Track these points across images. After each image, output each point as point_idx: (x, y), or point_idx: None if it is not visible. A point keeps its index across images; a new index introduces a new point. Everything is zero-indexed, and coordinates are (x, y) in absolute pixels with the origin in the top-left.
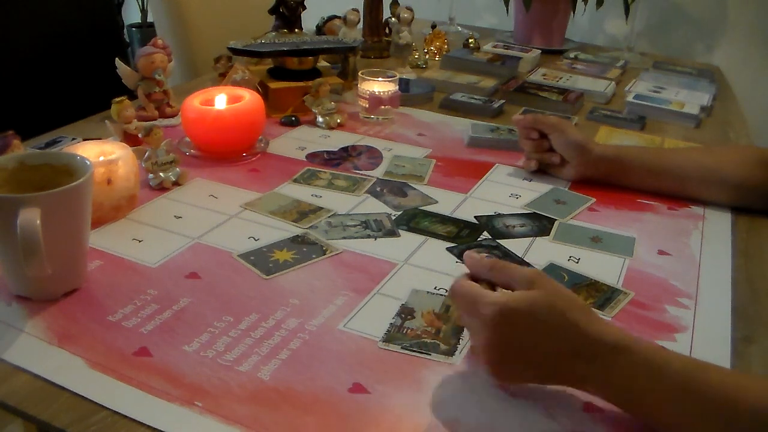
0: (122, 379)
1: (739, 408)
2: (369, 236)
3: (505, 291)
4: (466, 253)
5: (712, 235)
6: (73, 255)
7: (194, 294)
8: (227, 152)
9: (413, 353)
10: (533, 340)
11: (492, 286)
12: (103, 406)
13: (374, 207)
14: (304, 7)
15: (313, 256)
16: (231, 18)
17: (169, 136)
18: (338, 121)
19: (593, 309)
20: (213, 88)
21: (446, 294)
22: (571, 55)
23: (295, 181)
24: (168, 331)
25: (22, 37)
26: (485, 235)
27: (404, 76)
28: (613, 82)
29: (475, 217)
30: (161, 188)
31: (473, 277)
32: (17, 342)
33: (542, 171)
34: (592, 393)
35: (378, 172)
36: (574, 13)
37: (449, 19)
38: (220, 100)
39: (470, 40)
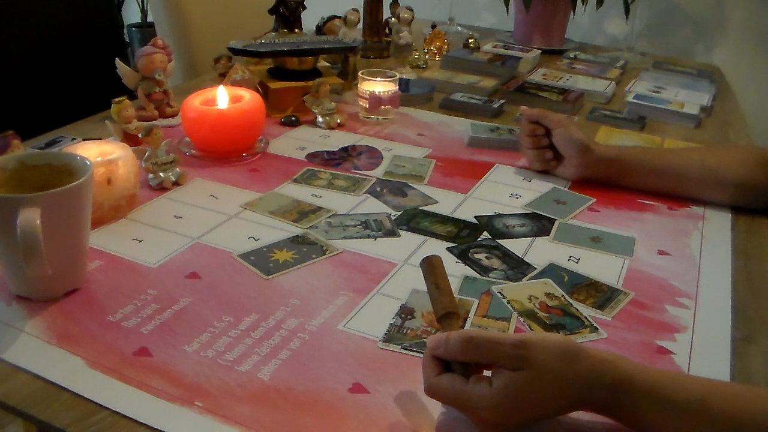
0: (122, 379)
1: None
2: (369, 236)
3: (488, 379)
4: (429, 338)
5: (712, 235)
6: (73, 255)
7: (194, 294)
8: (227, 152)
9: (413, 353)
10: (536, 409)
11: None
12: (103, 406)
13: (374, 207)
14: (304, 7)
15: (313, 256)
16: (231, 18)
17: (169, 136)
18: (338, 121)
19: (584, 346)
20: (213, 87)
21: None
22: (571, 55)
23: (295, 181)
24: (168, 331)
25: (22, 37)
26: (485, 235)
27: (404, 76)
28: (613, 82)
29: (475, 217)
30: (161, 188)
31: (438, 360)
32: (17, 342)
33: (542, 171)
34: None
35: (378, 172)
36: (574, 13)
37: (449, 19)
38: (222, 100)
39: (470, 40)
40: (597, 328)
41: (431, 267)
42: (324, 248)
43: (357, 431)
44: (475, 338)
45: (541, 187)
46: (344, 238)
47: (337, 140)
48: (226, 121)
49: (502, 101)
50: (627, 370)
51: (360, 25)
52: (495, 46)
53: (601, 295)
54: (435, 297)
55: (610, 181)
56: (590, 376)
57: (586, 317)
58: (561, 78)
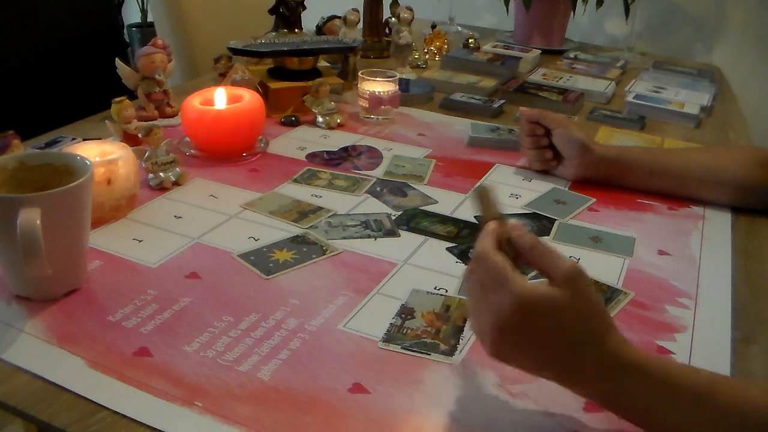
0: (122, 379)
1: (752, 426)
2: (369, 236)
3: (533, 281)
4: (513, 223)
5: (712, 235)
6: (73, 255)
7: (194, 294)
8: (227, 152)
9: (413, 353)
10: (546, 340)
11: (515, 260)
12: (103, 406)
13: (374, 207)
14: (304, 7)
15: (313, 256)
16: (231, 18)
17: (169, 136)
18: (338, 121)
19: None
20: (213, 88)
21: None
22: (571, 55)
23: (295, 181)
24: (168, 331)
25: (22, 37)
26: None
27: (404, 76)
28: (613, 82)
29: (475, 217)
30: (161, 188)
31: (499, 244)
32: (17, 342)
33: (542, 171)
34: (598, 406)
35: (378, 172)
36: (574, 13)
37: (449, 19)
38: (220, 100)
39: (470, 40)
40: None
41: (481, 196)
42: (324, 248)
43: (357, 431)
44: (541, 246)
45: (541, 187)
46: (344, 238)
47: (337, 140)
48: (225, 121)
49: (502, 101)
50: (642, 356)
51: (360, 25)
52: (495, 46)
53: (601, 295)
54: (485, 218)
55: (610, 181)
56: (611, 346)
57: None
58: (561, 78)
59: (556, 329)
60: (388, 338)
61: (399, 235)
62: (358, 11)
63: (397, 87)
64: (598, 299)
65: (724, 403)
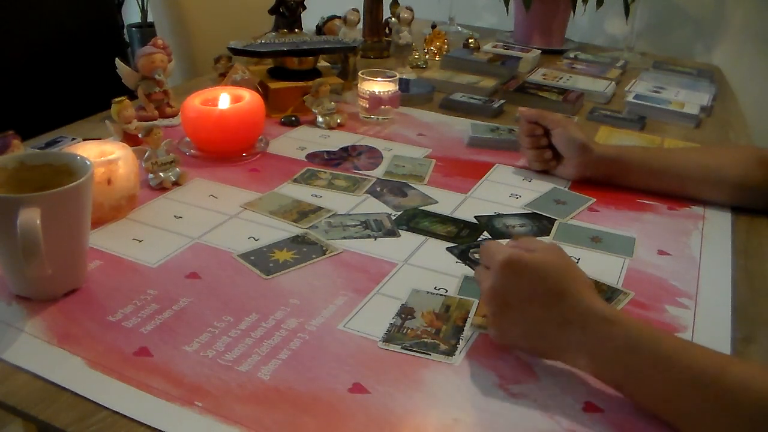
0: (122, 379)
1: (728, 382)
2: (369, 236)
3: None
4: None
5: (712, 235)
6: (73, 255)
7: (194, 294)
8: (227, 152)
9: (413, 353)
10: (532, 296)
11: None
12: (103, 406)
13: (374, 207)
14: (304, 7)
15: (313, 256)
16: (231, 18)
17: (169, 136)
18: (338, 121)
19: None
20: (213, 88)
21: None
22: (571, 55)
23: (295, 181)
24: (168, 331)
25: (22, 37)
26: (485, 235)
27: (404, 76)
28: (613, 82)
29: (475, 217)
30: (161, 188)
31: None
32: (17, 342)
33: (542, 171)
34: (584, 369)
35: (378, 172)
36: (574, 13)
37: (449, 19)
38: (224, 100)
39: (470, 40)
40: None
41: None
42: (324, 248)
43: (357, 431)
44: (526, 237)
45: (541, 187)
46: (344, 238)
47: (337, 140)
48: (226, 121)
49: (502, 101)
50: (622, 312)
51: (360, 25)
52: (495, 46)
53: (601, 295)
54: None
55: (610, 181)
56: (590, 302)
57: None
58: (561, 78)
59: (539, 281)
60: (388, 338)
61: (399, 235)
62: (358, 11)
63: (397, 87)
64: (578, 268)
65: (702, 359)
